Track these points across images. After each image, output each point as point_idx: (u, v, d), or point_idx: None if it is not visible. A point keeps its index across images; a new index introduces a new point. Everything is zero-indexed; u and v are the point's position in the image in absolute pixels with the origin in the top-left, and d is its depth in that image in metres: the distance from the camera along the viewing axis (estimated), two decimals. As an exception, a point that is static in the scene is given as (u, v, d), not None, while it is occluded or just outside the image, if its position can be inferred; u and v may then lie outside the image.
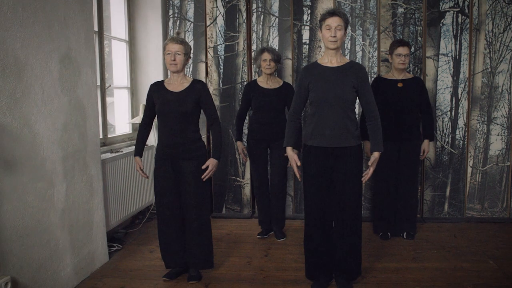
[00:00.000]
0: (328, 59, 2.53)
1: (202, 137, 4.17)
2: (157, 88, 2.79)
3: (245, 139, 3.86)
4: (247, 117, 3.76)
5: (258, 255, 3.25)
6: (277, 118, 3.49)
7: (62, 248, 2.63)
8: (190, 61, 4.19)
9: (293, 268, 2.96)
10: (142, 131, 2.86)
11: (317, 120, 2.50)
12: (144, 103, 4.15)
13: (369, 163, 2.51)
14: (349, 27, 3.95)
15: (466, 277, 2.78)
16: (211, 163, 2.73)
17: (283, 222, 3.65)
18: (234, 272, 2.95)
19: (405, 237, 3.50)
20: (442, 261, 3.04)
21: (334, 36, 2.41)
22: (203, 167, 2.72)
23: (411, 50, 3.54)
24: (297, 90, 2.62)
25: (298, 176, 2.58)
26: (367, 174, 2.50)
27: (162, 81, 2.83)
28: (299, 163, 2.56)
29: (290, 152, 2.61)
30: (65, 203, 2.65)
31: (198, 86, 2.75)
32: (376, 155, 2.50)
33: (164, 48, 2.71)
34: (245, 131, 3.90)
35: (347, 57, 3.96)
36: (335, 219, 2.60)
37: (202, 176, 2.72)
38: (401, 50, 3.34)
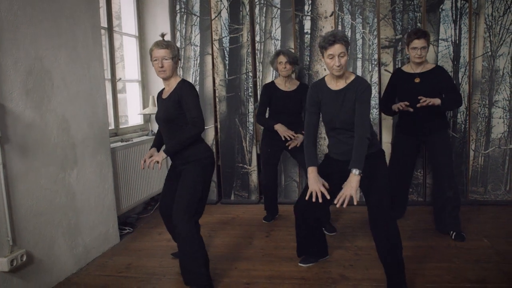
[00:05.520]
0: (334, 81, 2.46)
1: (208, 127, 4.38)
2: (158, 95, 2.72)
3: (255, 136, 3.99)
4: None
5: (260, 236, 3.42)
6: (294, 123, 3.48)
7: (74, 228, 2.85)
8: (194, 58, 4.37)
9: (291, 247, 3.10)
10: (158, 134, 2.78)
11: (331, 139, 2.54)
12: (154, 95, 4.38)
13: (342, 186, 2.30)
14: (349, 16, 4.04)
15: (458, 254, 2.86)
16: (157, 155, 2.47)
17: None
18: (235, 251, 3.12)
19: (453, 238, 3.15)
20: (437, 240, 3.12)
21: (339, 65, 2.31)
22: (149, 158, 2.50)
23: (429, 41, 3.16)
24: (309, 109, 2.50)
25: (319, 196, 2.36)
26: (342, 198, 2.27)
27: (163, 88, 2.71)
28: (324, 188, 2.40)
29: (314, 174, 2.40)
30: (76, 186, 2.88)
31: (178, 86, 2.50)
32: (352, 173, 2.26)
33: (150, 55, 2.51)
34: (254, 129, 3.99)
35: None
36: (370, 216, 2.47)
37: (145, 163, 2.49)
38: (417, 43, 3.07)
